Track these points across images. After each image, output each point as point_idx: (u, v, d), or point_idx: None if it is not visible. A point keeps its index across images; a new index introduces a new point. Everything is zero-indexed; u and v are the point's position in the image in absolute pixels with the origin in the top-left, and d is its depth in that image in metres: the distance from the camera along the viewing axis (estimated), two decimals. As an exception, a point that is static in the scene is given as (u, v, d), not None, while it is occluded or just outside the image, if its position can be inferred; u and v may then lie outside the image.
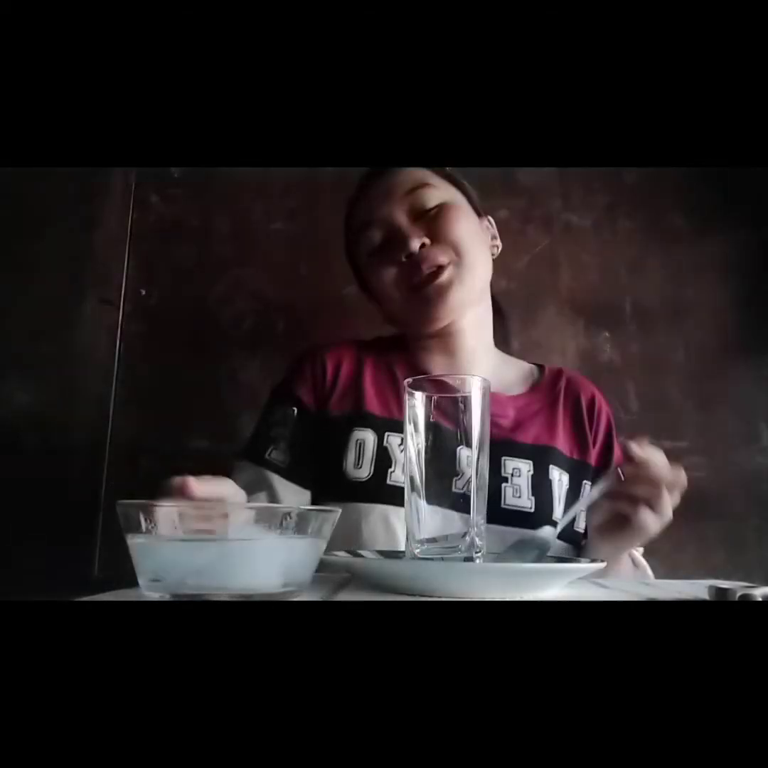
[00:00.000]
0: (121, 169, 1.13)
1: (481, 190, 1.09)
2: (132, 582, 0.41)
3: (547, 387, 0.81)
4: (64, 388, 1.08)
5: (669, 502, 0.58)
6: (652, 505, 0.57)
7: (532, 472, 0.70)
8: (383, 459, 0.71)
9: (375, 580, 0.45)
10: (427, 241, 0.72)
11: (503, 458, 0.71)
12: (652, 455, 0.58)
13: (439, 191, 0.76)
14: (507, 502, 0.69)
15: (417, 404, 0.48)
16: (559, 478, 0.73)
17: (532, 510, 0.69)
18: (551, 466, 0.73)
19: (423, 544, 0.48)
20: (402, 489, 0.68)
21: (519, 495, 0.67)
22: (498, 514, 0.64)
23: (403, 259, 0.73)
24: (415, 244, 0.72)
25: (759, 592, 0.37)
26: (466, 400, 0.48)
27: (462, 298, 0.74)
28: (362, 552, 0.56)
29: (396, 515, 0.67)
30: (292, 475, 0.73)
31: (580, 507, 0.64)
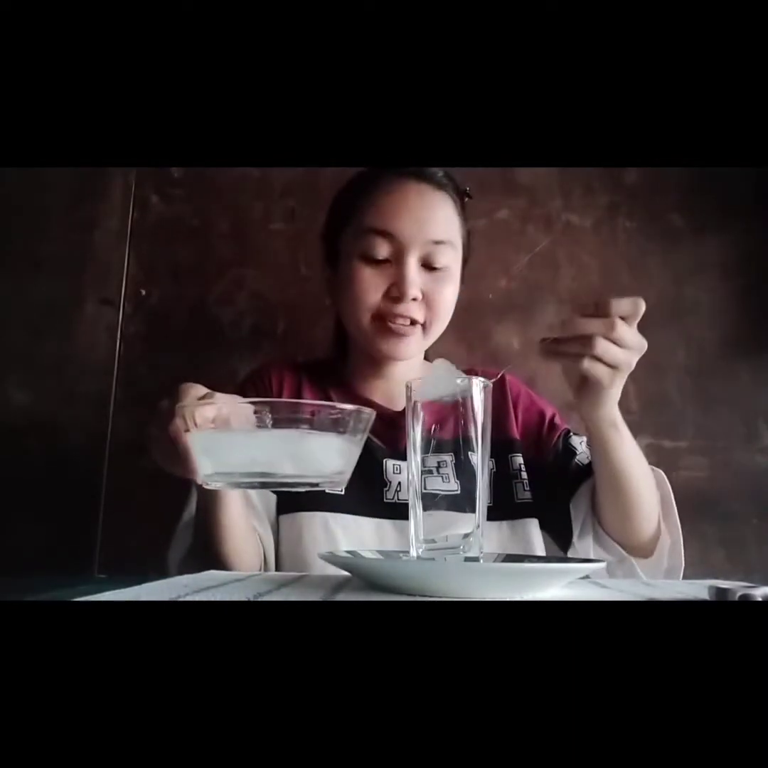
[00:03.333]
0: (121, 169, 1.13)
1: (481, 190, 1.10)
2: (132, 581, 0.41)
3: None
4: (64, 388, 1.08)
5: (609, 347, 0.57)
6: (596, 355, 0.56)
7: (454, 461, 0.73)
8: None
9: (375, 580, 0.45)
10: (419, 296, 0.74)
11: (429, 456, 0.74)
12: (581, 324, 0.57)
13: (453, 253, 0.77)
14: (436, 487, 0.72)
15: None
16: None
17: (459, 491, 0.71)
18: (470, 453, 0.75)
19: (424, 543, 0.48)
20: (339, 497, 0.75)
21: (447, 481, 0.69)
22: (430, 499, 0.67)
23: (391, 297, 0.74)
24: (411, 295, 0.74)
25: (759, 592, 0.37)
26: (465, 403, 0.48)
27: (415, 352, 0.79)
28: (362, 552, 0.56)
29: (334, 520, 0.74)
30: None
31: None
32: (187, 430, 0.48)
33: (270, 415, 0.44)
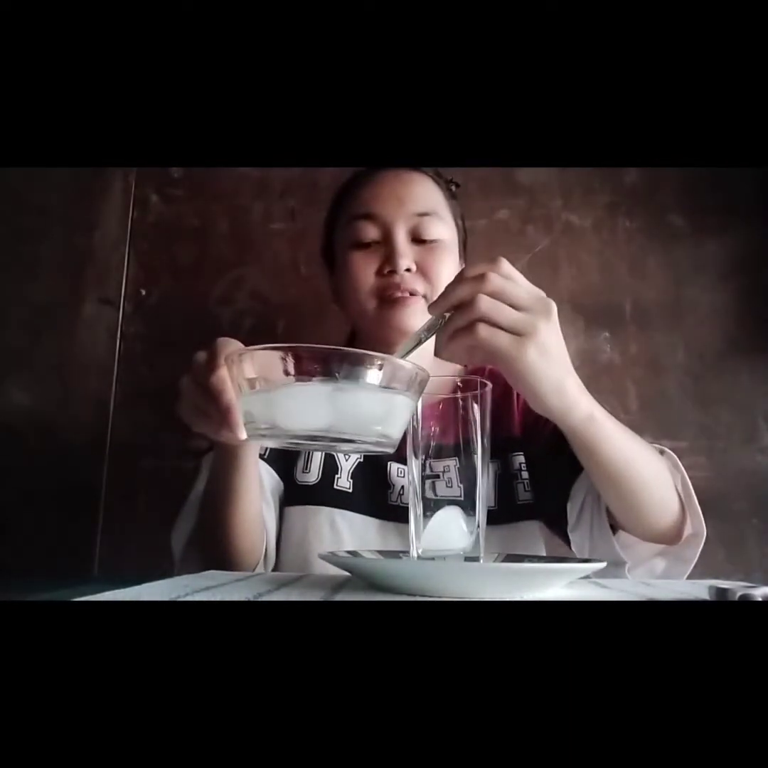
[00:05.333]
0: (121, 169, 1.13)
1: (481, 190, 1.10)
2: (132, 581, 0.41)
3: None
4: (64, 388, 1.08)
5: (502, 309, 0.50)
6: (483, 314, 0.49)
7: (458, 466, 0.72)
8: (330, 465, 0.77)
9: (375, 580, 0.45)
10: (413, 267, 0.75)
11: (432, 460, 0.73)
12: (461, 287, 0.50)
13: (442, 225, 0.78)
14: (439, 493, 0.71)
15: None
16: None
17: (462, 497, 0.71)
18: (474, 456, 0.74)
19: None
20: (347, 493, 0.75)
21: (451, 486, 0.69)
22: (433, 503, 0.66)
23: (385, 272, 0.75)
24: (403, 266, 0.74)
25: (759, 592, 0.37)
26: (466, 406, 0.48)
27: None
28: (362, 552, 0.56)
29: (341, 517, 0.74)
30: (270, 462, 0.77)
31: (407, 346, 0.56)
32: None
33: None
